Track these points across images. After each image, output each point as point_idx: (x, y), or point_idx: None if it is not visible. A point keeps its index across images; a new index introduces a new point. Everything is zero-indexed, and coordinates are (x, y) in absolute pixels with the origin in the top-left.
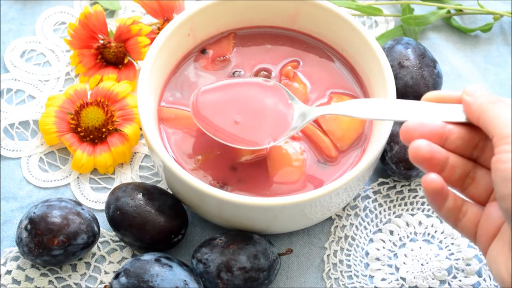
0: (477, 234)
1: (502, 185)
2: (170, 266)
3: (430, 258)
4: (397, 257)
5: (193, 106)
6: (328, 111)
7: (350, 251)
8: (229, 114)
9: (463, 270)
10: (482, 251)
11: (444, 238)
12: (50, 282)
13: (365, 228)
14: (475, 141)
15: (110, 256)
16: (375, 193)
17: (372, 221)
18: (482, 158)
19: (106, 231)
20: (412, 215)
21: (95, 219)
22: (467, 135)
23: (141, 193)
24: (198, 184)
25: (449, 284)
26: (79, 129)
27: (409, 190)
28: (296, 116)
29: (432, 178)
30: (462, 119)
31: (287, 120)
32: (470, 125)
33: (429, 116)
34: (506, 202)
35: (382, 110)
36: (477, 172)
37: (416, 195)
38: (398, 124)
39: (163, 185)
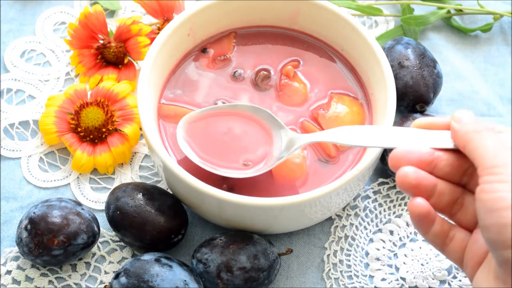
0: (464, 260)
1: (485, 216)
2: (170, 266)
3: (430, 258)
4: (397, 257)
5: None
6: (315, 138)
7: (350, 251)
8: (216, 145)
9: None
10: (468, 277)
11: None
12: (50, 282)
13: (365, 228)
14: (464, 168)
15: (110, 256)
16: (375, 193)
17: (372, 221)
18: (471, 184)
19: (106, 231)
20: None
21: (95, 219)
22: (456, 162)
23: (141, 193)
24: (198, 184)
25: (449, 284)
26: (79, 129)
27: None
28: (284, 143)
29: (418, 202)
30: (451, 145)
31: (272, 149)
32: (459, 151)
33: (418, 143)
34: (488, 232)
35: (370, 137)
36: (465, 198)
37: None
38: (398, 124)
39: (163, 185)
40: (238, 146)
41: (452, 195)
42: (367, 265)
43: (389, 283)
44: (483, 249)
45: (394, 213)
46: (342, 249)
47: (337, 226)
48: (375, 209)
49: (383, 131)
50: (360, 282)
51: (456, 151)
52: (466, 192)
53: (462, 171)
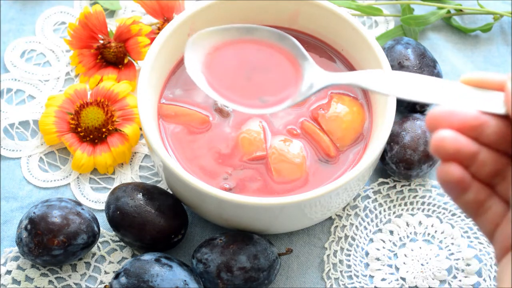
0: (495, 236)
1: None
2: (170, 266)
3: (430, 258)
4: (397, 257)
5: (196, 61)
6: (344, 80)
7: (350, 251)
8: (238, 74)
9: (463, 270)
10: (495, 256)
11: (444, 238)
12: (50, 282)
13: (365, 228)
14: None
15: (110, 256)
16: (375, 193)
17: (372, 221)
18: None
19: (106, 231)
20: (412, 215)
21: (95, 219)
22: (505, 129)
23: (141, 193)
24: (198, 184)
25: (449, 284)
26: (79, 129)
27: (409, 190)
28: (306, 83)
29: (451, 170)
30: (502, 111)
31: (296, 85)
32: (510, 118)
33: (463, 102)
34: None
35: (407, 86)
36: (510, 170)
37: (416, 195)
38: (398, 124)
39: (163, 185)
40: (259, 80)
41: (495, 165)
42: (367, 265)
43: (389, 283)
44: None
45: (394, 213)
46: (342, 249)
47: (337, 226)
48: (375, 209)
49: (424, 81)
50: (360, 282)
51: (507, 118)
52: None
53: (510, 140)
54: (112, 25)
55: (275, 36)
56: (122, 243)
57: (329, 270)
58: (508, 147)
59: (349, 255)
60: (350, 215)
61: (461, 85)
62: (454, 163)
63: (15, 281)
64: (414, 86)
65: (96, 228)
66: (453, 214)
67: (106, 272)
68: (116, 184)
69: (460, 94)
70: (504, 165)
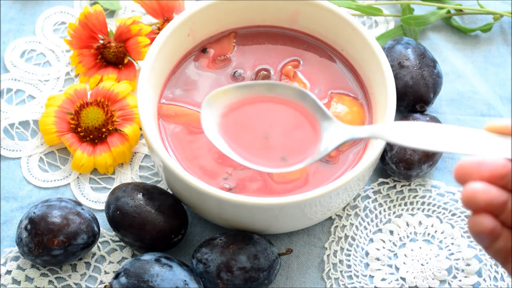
0: None
1: None
2: (170, 266)
3: (430, 258)
4: (397, 257)
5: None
6: (360, 134)
7: (350, 251)
8: (255, 133)
9: (463, 270)
10: None
11: (444, 238)
12: (50, 282)
13: (365, 228)
14: None
15: (110, 256)
16: (375, 193)
17: (372, 221)
18: None
19: (106, 231)
20: (412, 215)
21: (95, 219)
22: None
23: (141, 193)
24: (198, 184)
25: (449, 284)
26: (79, 129)
27: (409, 190)
28: (325, 141)
29: (483, 221)
30: None
31: (315, 144)
32: None
33: (489, 151)
34: None
35: (434, 138)
36: None
37: (416, 195)
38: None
39: (163, 185)
40: (279, 139)
41: None
42: (367, 265)
43: (389, 283)
44: None
45: (394, 213)
46: (342, 249)
47: (337, 226)
48: (375, 209)
49: (447, 130)
50: (360, 282)
51: None
52: None
53: None
54: (112, 25)
55: (295, 94)
56: (122, 243)
57: (329, 270)
58: None
59: (349, 255)
60: (350, 215)
61: (485, 132)
62: (485, 215)
63: (15, 281)
64: (438, 136)
65: (96, 228)
66: (453, 214)
67: (106, 272)
68: (116, 184)
69: (485, 143)
70: None
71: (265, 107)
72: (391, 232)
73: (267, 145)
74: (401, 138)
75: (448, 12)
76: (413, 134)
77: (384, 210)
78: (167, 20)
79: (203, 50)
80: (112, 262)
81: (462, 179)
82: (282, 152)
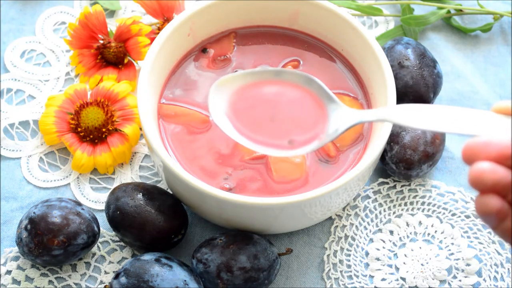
0: None
1: None
2: (170, 266)
3: (430, 258)
4: (397, 257)
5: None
6: (375, 117)
7: (350, 251)
8: (262, 115)
9: (463, 270)
10: None
11: (444, 238)
12: (50, 282)
13: (365, 228)
14: None
15: (110, 256)
16: (375, 193)
17: (372, 221)
18: None
19: (106, 231)
20: (412, 215)
21: (95, 219)
22: None
23: (141, 193)
24: (198, 184)
25: (449, 284)
26: (79, 129)
27: (409, 190)
28: (333, 125)
29: (490, 201)
30: None
31: (323, 126)
32: None
33: (497, 131)
34: None
35: (441, 119)
36: None
37: (416, 195)
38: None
39: (163, 185)
40: (285, 121)
41: None
42: (367, 265)
43: (389, 283)
44: None
45: (394, 213)
46: (342, 249)
47: (337, 226)
48: (375, 209)
49: (457, 113)
50: (360, 282)
51: None
52: None
53: None
54: (112, 25)
55: (302, 79)
56: (122, 243)
57: (329, 270)
58: None
59: (349, 255)
60: (350, 215)
61: (491, 113)
62: (493, 195)
63: (15, 281)
64: (445, 118)
65: (96, 228)
66: (453, 214)
67: (106, 272)
68: (116, 184)
69: (492, 124)
70: None
71: (272, 91)
72: (391, 232)
73: (274, 128)
74: (408, 120)
75: (448, 12)
76: (420, 116)
77: (384, 210)
78: (167, 20)
79: (203, 50)
80: (112, 262)
81: (469, 159)
82: (289, 134)
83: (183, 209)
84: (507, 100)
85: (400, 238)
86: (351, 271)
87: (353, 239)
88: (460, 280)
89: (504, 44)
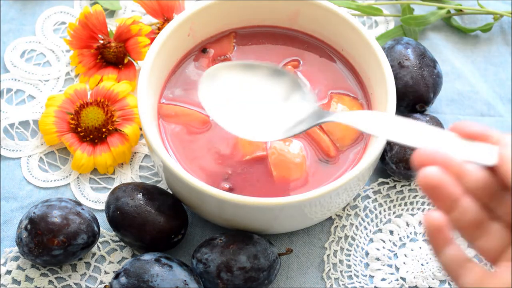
0: None
1: None
2: (170, 266)
3: (430, 258)
4: (397, 257)
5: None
6: (339, 119)
7: (350, 251)
8: (238, 102)
9: None
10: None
11: None
12: (50, 282)
13: (365, 228)
14: (495, 190)
15: (110, 256)
16: (375, 193)
17: (372, 221)
18: (500, 210)
19: (106, 231)
20: (412, 215)
21: (95, 219)
22: (488, 181)
23: (141, 193)
24: (198, 184)
25: (449, 284)
26: (79, 129)
27: (409, 190)
28: (305, 115)
29: (433, 214)
30: (488, 163)
31: (297, 117)
32: (493, 169)
33: (451, 150)
34: None
35: (398, 130)
36: (490, 224)
37: (416, 195)
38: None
39: (163, 185)
40: (256, 109)
41: (476, 216)
42: (367, 265)
43: (389, 283)
44: None
45: (394, 213)
46: (342, 249)
47: (337, 226)
48: (375, 209)
49: (415, 127)
50: (360, 282)
51: (491, 169)
52: (493, 218)
53: (492, 194)
54: (112, 25)
55: (274, 73)
56: (122, 243)
57: (329, 270)
58: (489, 200)
59: (349, 255)
60: (350, 215)
61: (450, 134)
62: (436, 211)
63: (15, 281)
64: (407, 131)
65: (96, 228)
66: None
67: (106, 272)
68: (116, 184)
69: (450, 143)
70: (484, 218)
71: (260, 80)
72: (391, 232)
73: (265, 116)
74: (370, 128)
75: (448, 12)
76: (381, 126)
77: (384, 210)
78: (167, 20)
79: (203, 50)
80: (112, 262)
81: (419, 163)
82: (281, 119)
83: (183, 209)
84: (465, 122)
85: (400, 238)
86: (351, 271)
87: (353, 239)
88: None
89: (504, 44)
